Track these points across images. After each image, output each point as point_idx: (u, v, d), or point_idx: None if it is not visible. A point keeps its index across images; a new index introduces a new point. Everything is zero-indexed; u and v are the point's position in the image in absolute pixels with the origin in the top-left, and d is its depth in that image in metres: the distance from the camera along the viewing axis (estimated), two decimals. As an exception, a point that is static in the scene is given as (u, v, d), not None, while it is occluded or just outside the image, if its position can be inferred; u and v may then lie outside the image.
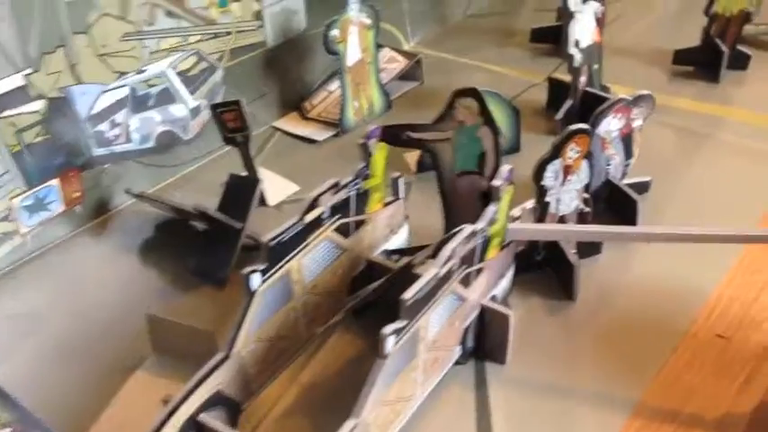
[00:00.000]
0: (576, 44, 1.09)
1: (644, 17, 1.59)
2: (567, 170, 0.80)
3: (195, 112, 1.06)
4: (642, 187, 0.98)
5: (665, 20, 1.58)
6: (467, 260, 0.68)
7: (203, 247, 0.92)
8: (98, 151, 0.96)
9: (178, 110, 1.04)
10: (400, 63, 1.31)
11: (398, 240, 0.88)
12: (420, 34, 1.53)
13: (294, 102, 1.25)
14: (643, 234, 0.80)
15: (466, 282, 0.70)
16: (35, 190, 0.91)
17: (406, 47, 1.49)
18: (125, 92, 0.96)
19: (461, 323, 0.72)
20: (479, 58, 1.44)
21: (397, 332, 0.59)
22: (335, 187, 0.75)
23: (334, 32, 1.11)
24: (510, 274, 0.80)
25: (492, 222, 0.70)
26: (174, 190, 1.07)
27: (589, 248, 0.88)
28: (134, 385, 0.76)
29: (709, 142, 1.12)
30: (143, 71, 0.98)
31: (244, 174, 0.95)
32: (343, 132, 1.18)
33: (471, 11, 1.66)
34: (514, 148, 1.09)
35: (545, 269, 0.87)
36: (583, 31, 1.09)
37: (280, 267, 0.69)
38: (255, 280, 0.67)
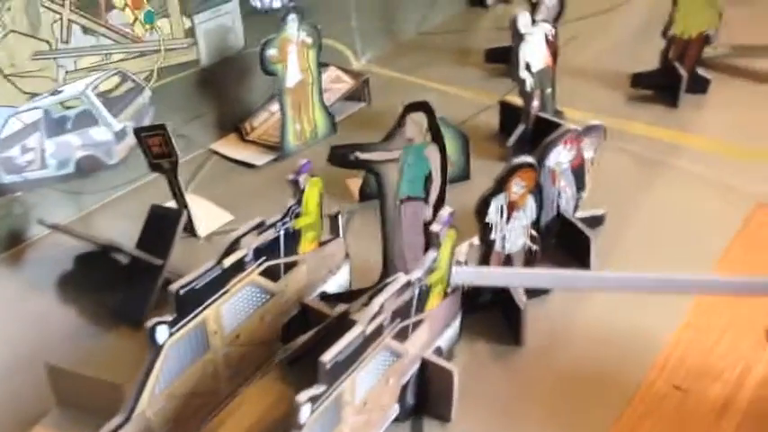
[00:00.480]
0: (528, 67, 1.04)
1: (601, 38, 1.55)
2: (512, 206, 0.74)
3: (120, 135, 0.99)
4: (596, 221, 0.93)
5: (623, 42, 1.54)
6: (401, 313, 0.62)
7: (123, 283, 0.85)
8: (8, 178, 0.89)
9: (100, 133, 0.97)
10: (346, 83, 1.25)
11: (338, 281, 0.82)
12: (371, 51, 1.48)
13: (233, 123, 1.19)
14: (596, 280, 0.75)
15: (402, 335, 0.63)
16: (-67, 222, 0.83)
17: (355, 65, 1.43)
18: (38, 114, 0.89)
19: (398, 380, 0.65)
20: (431, 77, 1.39)
21: (315, 399, 0.52)
22: (260, 227, 0.68)
23: (271, 52, 1.04)
24: (457, 322, 0.74)
25: (431, 271, 0.64)
26: (98, 218, 1.00)
27: (538, 288, 0.82)
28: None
29: (666, 170, 1.08)
30: (59, 92, 0.90)
31: (167, 205, 0.88)
32: (283, 157, 1.12)
33: (425, 28, 1.61)
34: (464, 176, 1.04)
35: (491, 310, 0.81)
36: (534, 54, 1.04)
37: (192, 318, 0.62)
38: (161, 333, 0.60)
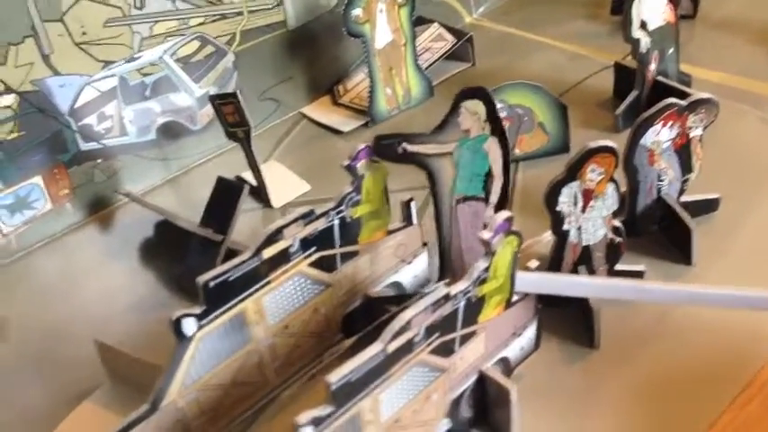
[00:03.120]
0: (643, 26, 0.93)
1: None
2: (588, 194, 0.67)
3: (203, 100, 0.99)
4: (707, 206, 0.83)
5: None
6: (442, 326, 0.57)
7: (190, 255, 0.86)
8: (86, 146, 0.91)
9: (181, 99, 0.98)
10: (447, 42, 1.19)
11: (414, 271, 0.78)
12: (487, 4, 1.39)
13: (328, 85, 1.16)
14: (690, 296, 0.66)
15: (446, 349, 0.59)
16: (15, 188, 0.87)
17: (467, 19, 1.36)
18: (114, 82, 0.90)
19: (444, 395, 0.61)
20: (550, 32, 1.29)
21: (318, 421, 0.50)
22: (308, 217, 0.66)
23: (356, 12, 1.00)
24: (531, 330, 0.68)
25: (482, 281, 0.58)
26: (182, 185, 1.02)
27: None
28: (77, 417, 0.71)
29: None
30: (134, 59, 0.91)
31: (235, 177, 0.88)
32: (373, 123, 1.09)
33: (551, -25, 1.50)
34: (563, 149, 0.96)
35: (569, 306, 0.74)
36: (651, 9, 0.94)
37: (227, 310, 0.61)
38: (188, 326, 0.59)
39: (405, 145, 0.70)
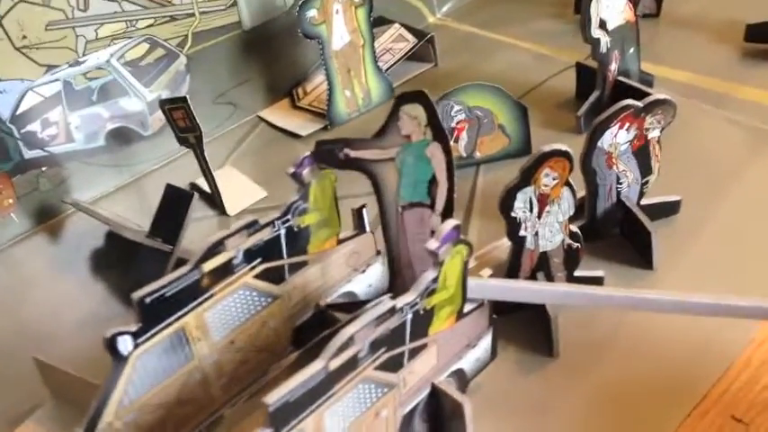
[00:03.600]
0: (602, 25, 0.92)
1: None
2: (544, 199, 0.65)
3: (154, 105, 0.96)
4: (668, 209, 0.82)
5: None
6: (389, 341, 0.55)
7: (139, 265, 0.83)
8: (31, 153, 0.88)
9: (131, 104, 0.95)
10: (408, 43, 1.16)
11: (368, 280, 0.75)
12: (450, 3, 1.37)
13: (286, 87, 1.14)
14: (637, 301, 0.64)
15: (394, 364, 0.57)
16: (-46, 199, 0.84)
17: (430, 19, 1.34)
18: (57, 87, 0.87)
19: (394, 411, 0.59)
20: (514, 32, 1.27)
21: (252, 444, 0.47)
22: (251, 227, 0.63)
23: (311, 13, 0.98)
24: (486, 341, 0.66)
25: (429, 293, 0.56)
26: (133, 193, 0.99)
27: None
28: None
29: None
30: (79, 63, 0.88)
31: (189, 184, 0.85)
32: (332, 126, 1.06)
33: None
34: (524, 151, 0.94)
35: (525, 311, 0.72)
36: (609, 9, 0.92)
37: (165, 326, 0.59)
38: (123, 344, 0.56)
39: (346, 150, 0.67)
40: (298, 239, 0.67)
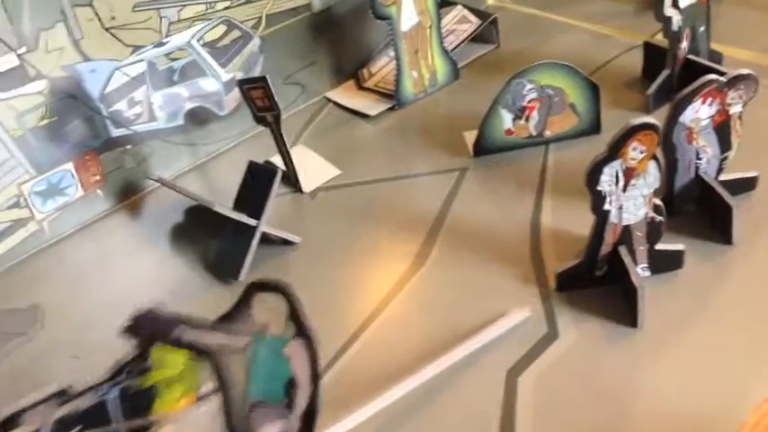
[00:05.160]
0: (674, 3, 0.92)
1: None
2: (630, 172, 0.66)
3: (229, 85, 0.99)
4: (746, 185, 0.82)
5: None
6: None
7: (224, 240, 0.85)
8: (117, 132, 0.91)
9: (209, 84, 0.97)
10: (472, 24, 1.18)
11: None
12: (509, -16, 1.38)
13: (352, 69, 1.16)
14: None
15: None
16: (47, 175, 0.87)
17: (490, 1, 1.35)
18: (143, 67, 0.90)
19: None
20: (573, 13, 1.28)
21: None
22: (62, 396, 0.53)
23: (383, -6, 0.99)
24: None
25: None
26: (211, 170, 1.01)
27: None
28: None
29: None
30: (163, 44, 0.91)
31: (264, 162, 0.87)
32: (399, 106, 1.08)
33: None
34: (594, 130, 0.95)
35: (607, 284, 0.74)
36: (683, -12, 0.92)
37: None
38: None
39: (180, 333, 0.53)
40: (138, 400, 0.54)
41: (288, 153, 0.92)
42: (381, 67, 1.14)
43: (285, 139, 0.92)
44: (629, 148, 0.65)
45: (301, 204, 0.93)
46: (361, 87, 1.13)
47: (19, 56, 0.79)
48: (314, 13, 1.07)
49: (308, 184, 0.94)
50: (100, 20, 0.84)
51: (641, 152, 0.65)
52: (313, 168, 0.96)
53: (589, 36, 1.21)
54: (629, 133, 0.64)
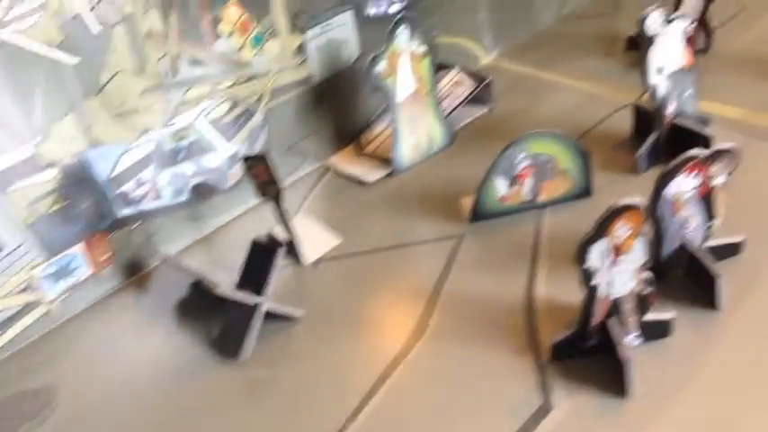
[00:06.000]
0: (660, 71, 0.96)
1: (769, 12, 1.40)
2: (618, 249, 0.70)
3: (233, 159, 1.03)
4: (733, 249, 0.85)
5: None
6: None
7: (227, 317, 0.89)
8: (124, 212, 0.95)
9: (213, 159, 1.01)
10: (467, 87, 1.22)
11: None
12: (502, 44, 1.43)
13: (351, 134, 1.20)
14: None
15: None
16: (57, 258, 0.91)
17: (484, 60, 1.40)
18: (150, 148, 0.94)
19: None
20: (566, 71, 1.32)
21: None
22: None
23: (379, 68, 1.04)
24: None
25: None
26: (216, 242, 1.05)
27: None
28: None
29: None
30: (170, 125, 0.95)
31: (267, 234, 0.91)
32: (397, 172, 1.12)
33: (566, 11, 1.53)
34: (585, 192, 0.99)
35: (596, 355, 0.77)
36: (667, 55, 0.96)
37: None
38: None
39: None
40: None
41: (289, 226, 0.96)
42: (380, 132, 1.18)
43: (287, 210, 0.96)
44: (616, 227, 0.68)
45: (303, 276, 0.96)
46: (360, 153, 1.17)
47: (32, 146, 0.83)
48: (314, 84, 1.11)
49: (309, 255, 0.98)
50: (110, 106, 0.89)
51: (628, 230, 0.69)
52: (314, 239, 1.00)
53: (581, 96, 1.25)
54: (614, 214, 0.67)
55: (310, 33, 1.08)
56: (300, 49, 1.08)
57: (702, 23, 1.26)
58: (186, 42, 0.93)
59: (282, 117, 1.09)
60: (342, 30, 1.12)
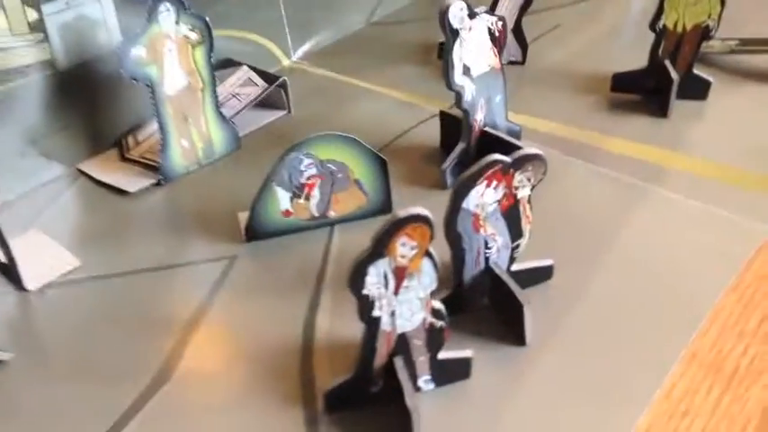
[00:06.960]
0: (466, 72, 0.86)
1: (586, 29, 1.36)
2: (401, 272, 0.56)
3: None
4: (541, 274, 0.75)
5: (612, 34, 1.36)
6: None
7: None
8: None
9: None
10: (258, 87, 1.07)
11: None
12: (307, 46, 1.30)
13: (114, 136, 1.01)
14: None
15: None
16: None
17: (285, 62, 1.26)
18: None
19: None
20: (375, 78, 1.21)
21: None
22: None
23: (137, 51, 0.86)
24: None
25: None
26: None
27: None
28: None
29: (649, 202, 0.88)
30: None
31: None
32: (165, 181, 0.94)
33: (377, 17, 1.43)
34: (385, 209, 0.86)
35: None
36: (474, 55, 0.86)
37: None
38: None
39: None
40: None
41: (5, 242, 0.76)
42: (150, 135, 1.01)
43: (10, 223, 0.76)
44: (398, 244, 0.55)
45: (23, 306, 0.77)
46: (124, 158, 0.99)
47: None
48: (60, 71, 0.92)
49: (33, 279, 0.78)
50: None
51: (412, 248, 0.55)
52: (44, 259, 0.80)
53: (389, 103, 1.14)
54: (395, 227, 0.54)
55: (50, 7, 0.88)
56: (39, 25, 0.88)
57: (517, 34, 1.19)
58: None
59: (15, 108, 0.89)
60: (94, 8, 0.93)
